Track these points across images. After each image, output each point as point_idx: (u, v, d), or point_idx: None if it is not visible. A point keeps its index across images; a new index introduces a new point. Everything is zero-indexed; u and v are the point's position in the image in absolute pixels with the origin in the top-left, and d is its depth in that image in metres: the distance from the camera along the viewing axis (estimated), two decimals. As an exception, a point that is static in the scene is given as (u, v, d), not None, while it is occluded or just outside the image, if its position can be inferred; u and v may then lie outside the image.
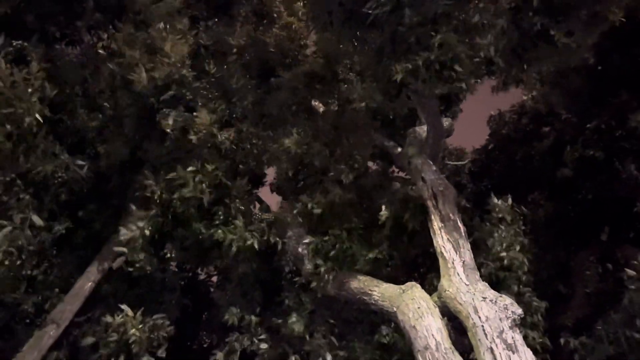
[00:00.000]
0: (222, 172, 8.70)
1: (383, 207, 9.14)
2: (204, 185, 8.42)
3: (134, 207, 8.67)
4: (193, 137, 8.29)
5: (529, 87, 14.11)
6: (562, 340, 10.30)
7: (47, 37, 8.85)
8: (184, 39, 8.42)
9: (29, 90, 7.04)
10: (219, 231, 8.63)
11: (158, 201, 8.47)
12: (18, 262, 7.49)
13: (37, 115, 7.15)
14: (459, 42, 7.29)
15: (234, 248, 8.58)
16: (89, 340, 8.47)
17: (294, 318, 9.37)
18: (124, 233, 8.42)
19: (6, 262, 7.26)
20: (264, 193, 13.45)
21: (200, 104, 8.47)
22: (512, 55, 8.09)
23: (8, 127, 6.90)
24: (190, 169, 8.50)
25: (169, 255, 9.10)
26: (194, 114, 8.38)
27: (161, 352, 8.87)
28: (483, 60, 8.79)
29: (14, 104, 6.90)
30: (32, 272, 8.48)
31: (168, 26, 8.33)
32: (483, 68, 10.10)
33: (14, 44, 7.65)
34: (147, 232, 8.42)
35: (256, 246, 8.90)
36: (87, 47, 9.38)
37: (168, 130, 8.17)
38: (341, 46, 11.44)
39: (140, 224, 8.41)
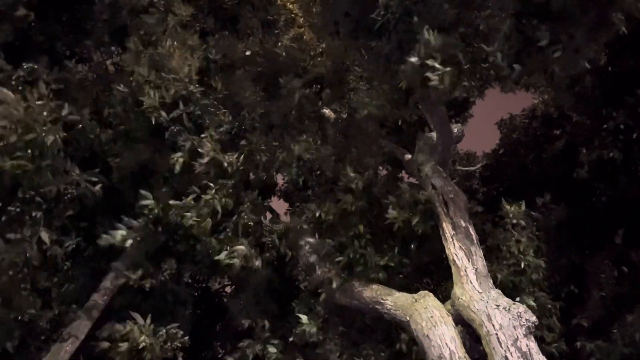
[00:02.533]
0: (229, 190, 8.70)
1: (390, 208, 9.12)
2: (206, 209, 8.42)
3: (125, 218, 8.61)
4: (202, 165, 8.32)
5: (540, 91, 14.04)
6: (578, 344, 10.23)
7: (58, 55, 8.97)
8: (192, 54, 8.47)
9: (44, 113, 7.16)
10: (223, 254, 8.66)
11: (155, 219, 8.47)
12: (24, 276, 7.51)
13: (58, 137, 7.27)
14: (465, 49, 7.27)
15: (238, 265, 8.61)
16: (104, 345, 8.57)
17: (305, 322, 9.37)
18: (114, 234, 8.41)
19: (10, 273, 7.27)
20: (274, 199, 13.50)
21: (207, 121, 8.51)
22: (517, 61, 8.07)
23: (29, 152, 7.04)
24: (191, 197, 8.50)
25: (169, 271, 9.10)
26: (202, 136, 8.41)
27: None
28: (491, 66, 8.76)
29: (34, 129, 7.03)
30: (45, 284, 8.56)
31: (175, 42, 8.38)
32: (492, 73, 10.09)
33: (25, 67, 7.77)
34: (128, 242, 8.37)
35: (259, 264, 8.89)
36: (96, 65, 9.50)
37: (177, 162, 8.20)
38: (349, 54, 11.50)
39: (125, 233, 8.40)
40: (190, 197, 8.51)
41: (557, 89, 12.91)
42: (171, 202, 8.42)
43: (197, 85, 8.48)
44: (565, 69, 6.67)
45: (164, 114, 8.09)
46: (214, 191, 8.52)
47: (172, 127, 8.22)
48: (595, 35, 6.17)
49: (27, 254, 7.19)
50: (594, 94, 12.43)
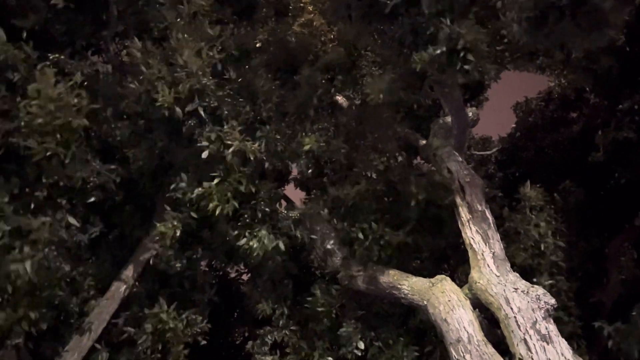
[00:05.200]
0: (248, 177, 8.78)
1: (412, 189, 9.09)
2: (229, 194, 8.53)
3: (168, 208, 8.87)
4: (228, 154, 8.44)
5: (556, 74, 13.84)
6: (596, 325, 10.16)
7: (75, 47, 9.05)
8: (208, 46, 8.49)
9: (73, 101, 7.32)
10: (243, 239, 8.73)
11: (188, 204, 8.60)
12: (57, 257, 7.65)
13: (84, 122, 7.43)
14: (479, 29, 7.17)
15: (259, 253, 8.68)
16: (129, 330, 8.78)
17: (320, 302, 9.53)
18: (158, 229, 8.62)
19: (46, 250, 7.44)
20: (288, 188, 13.53)
21: (225, 111, 8.55)
22: (535, 35, 7.91)
23: (59, 136, 7.21)
24: (216, 181, 8.62)
25: (195, 255, 9.25)
26: (225, 127, 8.52)
27: (202, 343, 9.26)
28: (507, 47, 8.64)
29: (61, 115, 7.19)
30: (72, 272, 8.74)
31: (186, 35, 8.39)
32: (506, 55, 9.96)
33: (51, 57, 7.86)
34: (177, 232, 8.59)
35: (282, 247, 8.94)
36: (112, 56, 9.55)
37: (204, 155, 8.30)
38: (361, 39, 11.41)
39: (175, 222, 8.61)
40: (215, 181, 8.59)
41: (574, 68, 12.70)
42: (196, 191, 8.55)
43: (210, 78, 8.50)
44: (586, 41, 6.49)
45: (178, 109, 8.15)
46: (237, 176, 8.61)
47: (190, 121, 8.26)
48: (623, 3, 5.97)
49: (62, 235, 7.34)
50: (611, 75, 12.23)
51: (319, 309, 9.50)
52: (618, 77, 12.28)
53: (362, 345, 9.25)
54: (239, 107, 8.88)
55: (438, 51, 7.20)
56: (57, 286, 7.74)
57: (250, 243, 8.69)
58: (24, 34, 7.74)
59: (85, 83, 7.95)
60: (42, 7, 8.19)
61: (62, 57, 8.02)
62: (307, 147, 9.63)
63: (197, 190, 8.57)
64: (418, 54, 7.60)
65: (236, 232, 8.81)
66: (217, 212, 8.48)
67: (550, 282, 9.05)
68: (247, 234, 8.81)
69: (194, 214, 8.74)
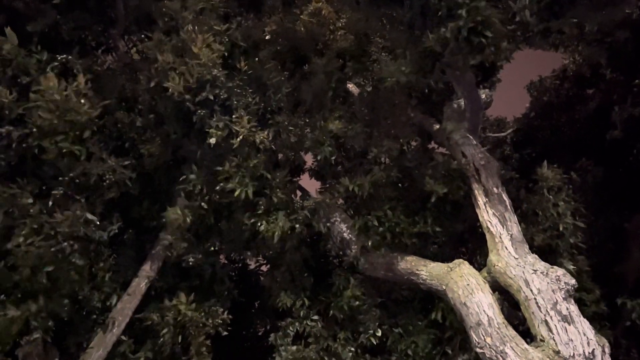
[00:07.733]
0: (262, 165, 8.84)
1: (427, 179, 9.06)
2: (246, 179, 8.61)
3: (180, 197, 8.97)
4: (235, 142, 8.48)
5: (570, 50, 13.58)
6: (619, 301, 10.09)
7: (84, 46, 9.15)
8: (216, 38, 8.54)
9: (82, 100, 7.43)
10: (262, 224, 8.77)
11: (199, 194, 8.68)
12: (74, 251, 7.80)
13: (93, 116, 7.54)
14: (492, 7, 7.05)
15: (276, 238, 8.72)
16: (152, 318, 8.96)
17: (348, 292, 9.55)
18: (168, 216, 8.74)
19: (64, 244, 7.57)
20: (303, 179, 13.54)
21: (235, 102, 8.59)
22: (549, 15, 7.78)
23: (71, 134, 7.33)
24: (233, 163, 8.72)
25: (213, 248, 9.33)
26: (234, 116, 8.54)
27: (224, 333, 9.40)
28: (519, 27, 8.50)
29: (71, 114, 7.31)
30: (92, 268, 8.89)
31: (197, 27, 8.43)
32: (519, 34, 9.81)
33: (59, 58, 7.98)
34: (188, 219, 8.67)
35: (298, 227, 8.99)
36: (122, 54, 9.62)
37: (212, 141, 8.37)
38: (370, 25, 11.32)
39: (186, 210, 8.72)
40: (233, 164, 8.70)
41: (589, 44, 12.47)
42: (217, 168, 8.66)
43: (220, 69, 8.53)
44: (601, 16, 6.35)
45: (189, 97, 8.17)
46: (253, 163, 8.74)
47: (200, 111, 8.30)
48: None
49: (83, 230, 7.48)
50: (627, 49, 11.99)
51: (341, 299, 9.54)
52: (634, 51, 12.04)
53: (379, 332, 9.31)
54: (249, 98, 8.89)
55: (460, 24, 7.04)
56: (77, 282, 7.86)
57: (269, 227, 8.75)
58: (35, 38, 7.83)
59: (96, 81, 8.04)
60: (49, 10, 8.27)
61: (70, 57, 8.12)
62: (332, 130, 9.63)
63: (218, 168, 8.69)
64: (433, 34, 7.52)
65: (252, 221, 8.85)
66: (236, 194, 8.58)
67: (570, 263, 8.97)
68: (264, 221, 8.88)
69: (204, 205, 8.80)
